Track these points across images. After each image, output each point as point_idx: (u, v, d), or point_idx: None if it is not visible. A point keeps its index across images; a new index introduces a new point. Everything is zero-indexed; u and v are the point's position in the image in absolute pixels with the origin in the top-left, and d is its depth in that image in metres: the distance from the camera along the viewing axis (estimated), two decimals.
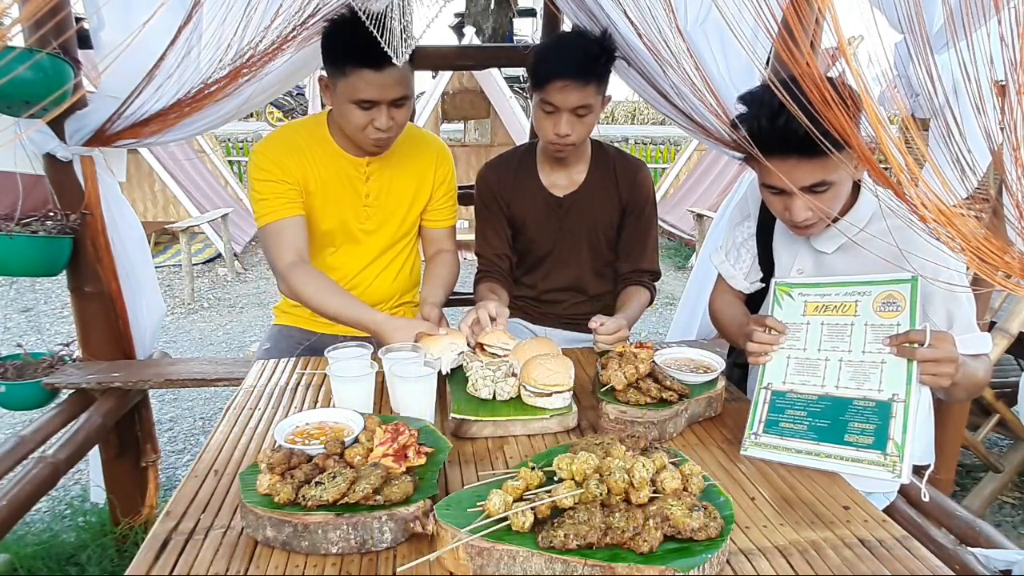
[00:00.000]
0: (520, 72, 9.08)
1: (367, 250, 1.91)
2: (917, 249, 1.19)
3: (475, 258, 2.07)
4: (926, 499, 1.32)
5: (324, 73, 1.69)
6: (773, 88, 1.10)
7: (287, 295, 1.80)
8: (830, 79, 1.01)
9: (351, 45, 1.55)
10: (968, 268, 1.02)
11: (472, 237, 2.09)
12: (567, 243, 1.97)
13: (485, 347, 1.57)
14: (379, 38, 1.43)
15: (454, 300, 3.25)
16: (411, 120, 2.22)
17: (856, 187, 1.42)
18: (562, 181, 1.93)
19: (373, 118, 1.64)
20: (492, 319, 1.60)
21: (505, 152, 2.04)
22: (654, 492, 0.99)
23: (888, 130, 0.93)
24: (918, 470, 1.31)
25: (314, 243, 1.86)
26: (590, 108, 1.71)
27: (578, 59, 1.66)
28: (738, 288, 1.68)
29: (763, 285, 1.64)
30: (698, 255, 6.18)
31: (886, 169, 1.00)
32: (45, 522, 2.62)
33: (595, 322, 1.64)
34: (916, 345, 1.18)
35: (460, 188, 2.24)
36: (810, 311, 1.33)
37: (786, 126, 1.18)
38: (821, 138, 1.02)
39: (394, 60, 1.48)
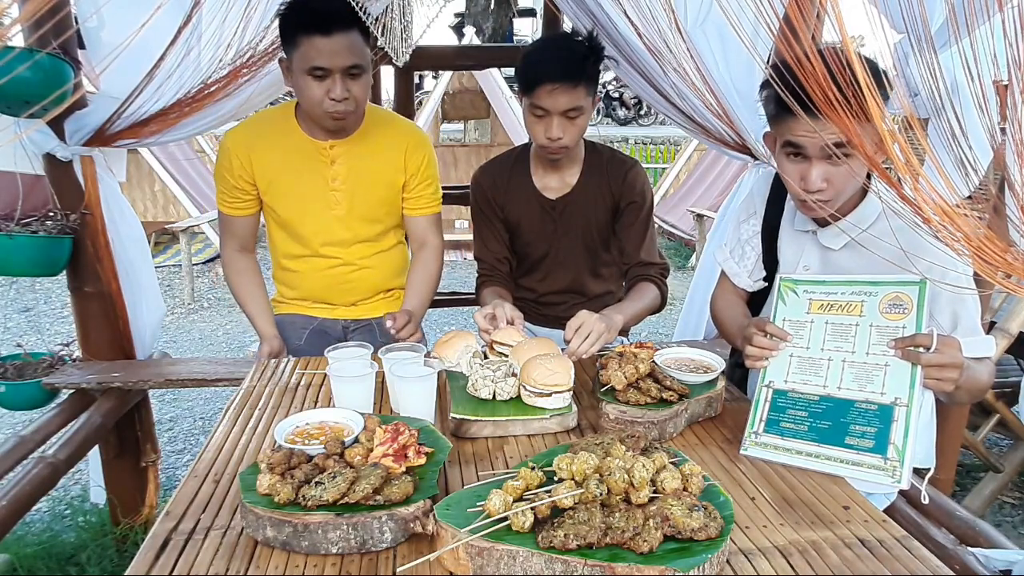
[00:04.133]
0: None
1: (345, 239, 1.92)
2: (925, 249, 1.18)
3: (474, 259, 2.07)
4: (926, 501, 1.31)
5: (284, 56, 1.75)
6: (777, 83, 1.09)
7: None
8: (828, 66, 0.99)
9: (300, 16, 1.63)
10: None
11: (471, 238, 2.08)
12: (563, 245, 1.96)
13: (495, 346, 1.57)
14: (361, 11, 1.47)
15: (456, 300, 3.26)
16: (411, 119, 2.23)
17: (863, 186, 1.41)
18: (555, 183, 1.92)
19: (328, 89, 1.67)
20: (510, 322, 1.61)
21: (499, 155, 2.03)
22: (654, 492, 0.99)
23: (891, 127, 0.93)
24: (918, 472, 1.31)
25: (287, 226, 1.90)
26: (581, 110, 1.70)
27: (566, 61, 1.65)
28: (741, 286, 1.68)
29: (766, 284, 1.64)
30: (699, 256, 6.18)
31: (888, 169, 1.00)
32: (45, 522, 2.62)
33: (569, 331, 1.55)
34: (921, 349, 1.17)
35: (459, 188, 2.24)
36: (814, 309, 1.32)
37: None
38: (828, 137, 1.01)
39: (350, 25, 1.58)
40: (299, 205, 1.86)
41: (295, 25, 1.63)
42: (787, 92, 1.08)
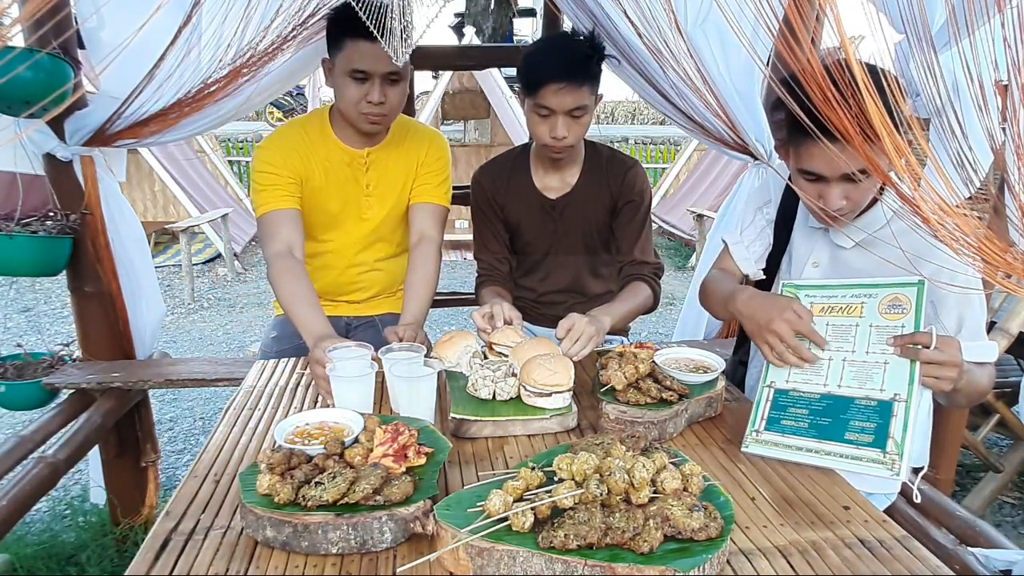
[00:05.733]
0: None
1: (367, 236, 1.96)
2: (935, 251, 1.19)
3: (474, 259, 2.07)
4: (917, 500, 1.32)
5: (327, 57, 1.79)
6: (776, 84, 1.09)
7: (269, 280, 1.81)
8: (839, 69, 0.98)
9: (349, 18, 1.65)
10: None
11: (471, 238, 2.09)
12: (563, 245, 1.97)
13: (494, 347, 1.57)
14: (371, 26, 1.48)
15: (456, 300, 3.25)
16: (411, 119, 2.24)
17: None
18: (555, 183, 1.92)
19: (367, 92, 1.71)
20: (507, 322, 1.61)
21: (499, 155, 2.03)
22: (654, 492, 0.99)
23: (891, 130, 0.93)
24: (913, 471, 1.31)
25: (318, 228, 1.93)
26: (585, 109, 1.71)
27: (570, 60, 1.66)
28: (745, 271, 1.66)
29: (764, 277, 1.64)
30: (699, 256, 6.18)
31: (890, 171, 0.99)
32: (45, 522, 2.62)
33: (561, 330, 1.54)
34: (920, 347, 1.18)
35: (459, 188, 2.24)
36: (816, 312, 1.33)
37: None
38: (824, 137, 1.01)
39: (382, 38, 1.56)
40: (335, 209, 1.90)
41: (342, 28, 1.68)
42: (807, 123, 1.06)
